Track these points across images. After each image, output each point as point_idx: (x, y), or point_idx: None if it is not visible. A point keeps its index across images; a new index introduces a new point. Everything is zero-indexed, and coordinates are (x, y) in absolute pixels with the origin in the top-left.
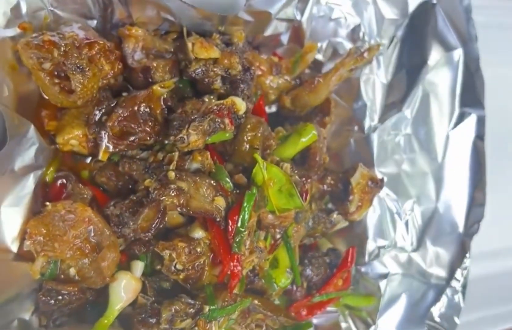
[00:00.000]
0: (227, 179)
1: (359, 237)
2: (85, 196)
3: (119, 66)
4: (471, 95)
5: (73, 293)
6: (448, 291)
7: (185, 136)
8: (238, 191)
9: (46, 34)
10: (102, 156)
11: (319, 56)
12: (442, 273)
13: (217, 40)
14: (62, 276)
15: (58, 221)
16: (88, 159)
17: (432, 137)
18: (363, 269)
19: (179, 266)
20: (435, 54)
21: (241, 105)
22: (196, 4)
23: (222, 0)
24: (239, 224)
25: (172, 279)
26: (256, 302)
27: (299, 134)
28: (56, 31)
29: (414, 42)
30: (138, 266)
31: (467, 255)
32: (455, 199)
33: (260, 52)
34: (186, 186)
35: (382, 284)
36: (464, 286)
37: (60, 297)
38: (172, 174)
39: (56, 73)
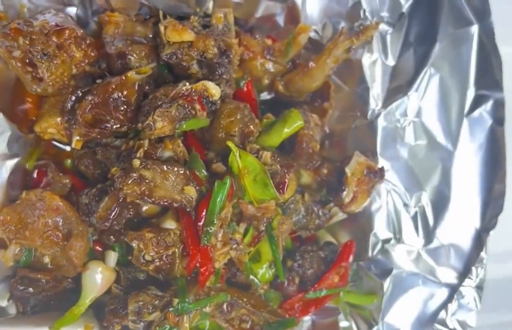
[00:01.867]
0: (202, 168)
1: (362, 230)
2: (65, 184)
3: (92, 54)
4: (488, 76)
5: (45, 281)
6: (462, 291)
7: (151, 123)
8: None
9: (14, 22)
10: (75, 144)
11: (318, 37)
12: (454, 271)
13: (194, 23)
14: (38, 264)
15: (30, 209)
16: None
17: (443, 124)
18: (366, 265)
19: (147, 257)
20: (446, 31)
21: (213, 90)
22: None
23: None
24: (208, 215)
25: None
26: (237, 296)
27: (284, 121)
28: (25, 18)
29: (423, 18)
30: (111, 256)
31: (484, 252)
32: (470, 191)
33: (254, 35)
34: (150, 175)
35: (386, 281)
36: (479, 287)
37: (33, 285)
38: (137, 162)
39: (27, 61)
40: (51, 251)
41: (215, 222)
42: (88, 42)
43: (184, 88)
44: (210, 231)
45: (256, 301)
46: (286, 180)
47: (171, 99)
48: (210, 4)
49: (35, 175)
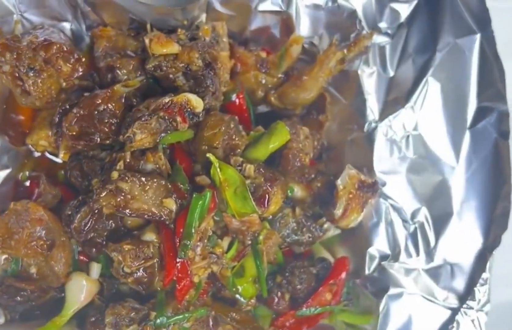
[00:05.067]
0: (184, 181)
1: (359, 246)
2: (55, 196)
3: (80, 68)
4: (490, 87)
5: (30, 290)
6: (464, 313)
7: (131, 135)
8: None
9: (1, 38)
10: (62, 156)
11: (315, 48)
12: (455, 292)
13: (181, 36)
14: (25, 274)
15: (16, 220)
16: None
17: (443, 136)
18: (362, 283)
19: (126, 269)
20: (446, 42)
21: (195, 102)
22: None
23: None
24: (186, 228)
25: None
26: (222, 312)
27: (270, 134)
28: (14, 35)
29: (423, 28)
30: (95, 268)
31: (487, 272)
32: (472, 207)
33: (249, 47)
34: (128, 187)
35: (383, 301)
36: (482, 309)
37: (18, 294)
38: (115, 174)
39: (17, 75)
40: (36, 261)
41: (193, 235)
42: (76, 57)
43: (165, 100)
44: (187, 244)
45: (242, 317)
46: (268, 194)
47: (151, 112)
48: (204, 17)
49: (27, 185)
